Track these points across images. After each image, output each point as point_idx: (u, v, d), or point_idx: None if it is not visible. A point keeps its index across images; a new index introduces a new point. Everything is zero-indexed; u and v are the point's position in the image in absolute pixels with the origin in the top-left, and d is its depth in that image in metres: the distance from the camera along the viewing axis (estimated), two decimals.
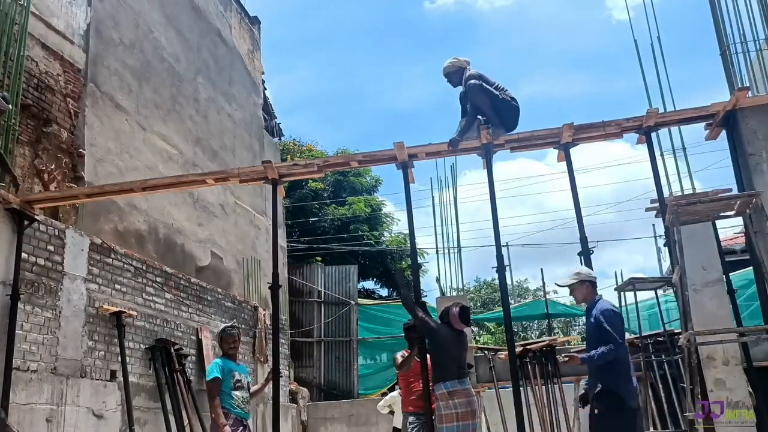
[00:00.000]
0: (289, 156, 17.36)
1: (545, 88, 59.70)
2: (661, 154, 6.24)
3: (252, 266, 11.60)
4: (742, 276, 9.17)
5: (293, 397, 12.89)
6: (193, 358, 8.66)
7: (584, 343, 7.96)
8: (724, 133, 5.46)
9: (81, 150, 7.63)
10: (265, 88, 14.03)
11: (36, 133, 7.06)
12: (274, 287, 5.95)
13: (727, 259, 5.29)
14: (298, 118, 50.99)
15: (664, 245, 5.98)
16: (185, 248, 9.62)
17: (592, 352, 4.39)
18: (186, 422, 7.79)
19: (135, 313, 7.49)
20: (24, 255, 6.10)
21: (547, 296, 15.78)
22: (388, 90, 62.98)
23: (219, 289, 9.86)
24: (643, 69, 7.22)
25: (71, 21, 7.80)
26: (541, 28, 59.74)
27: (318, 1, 56.65)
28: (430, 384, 5.29)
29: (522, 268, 63.54)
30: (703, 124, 5.56)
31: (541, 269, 24.92)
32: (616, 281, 8.69)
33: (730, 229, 13.90)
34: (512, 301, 18.09)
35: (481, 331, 26.90)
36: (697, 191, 6.16)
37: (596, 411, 4.40)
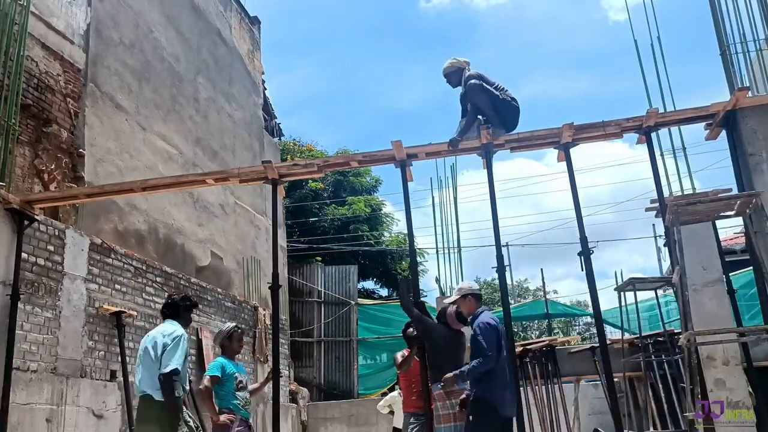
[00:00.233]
0: (289, 156, 17.36)
1: (545, 88, 59.74)
2: (661, 154, 6.23)
3: (252, 266, 11.60)
4: (742, 276, 9.18)
5: (293, 397, 12.89)
6: (193, 358, 8.66)
7: (583, 342, 7.99)
8: (724, 133, 5.46)
9: (81, 150, 7.63)
10: (265, 88, 14.03)
11: (36, 133, 7.06)
12: (274, 287, 5.95)
13: (727, 259, 5.28)
14: (298, 118, 51.06)
15: (664, 245, 5.98)
16: (185, 248, 9.62)
17: (465, 367, 4.63)
18: None
19: (135, 313, 7.49)
20: (24, 255, 6.10)
21: (547, 296, 15.78)
22: (388, 90, 63.02)
23: (219, 289, 9.86)
24: (643, 69, 7.21)
25: (71, 21, 7.80)
26: (539, 27, 59.76)
27: (318, 1, 56.66)
28: (429, 384, 5.28)
29: (522, 268, 63.60)
30: (703, 124, 5.56)
31: (541, 269, 24.94)
32: (616, 281, 8.68)
33: (730, 229, 13.92)
34: (512, 301, 18.09)
35: None
36: (697, 191, 6.15)
37: (470, 417, 4.57)
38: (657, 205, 5.47)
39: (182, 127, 10.08)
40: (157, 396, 4.70)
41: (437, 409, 5.08)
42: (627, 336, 8.22)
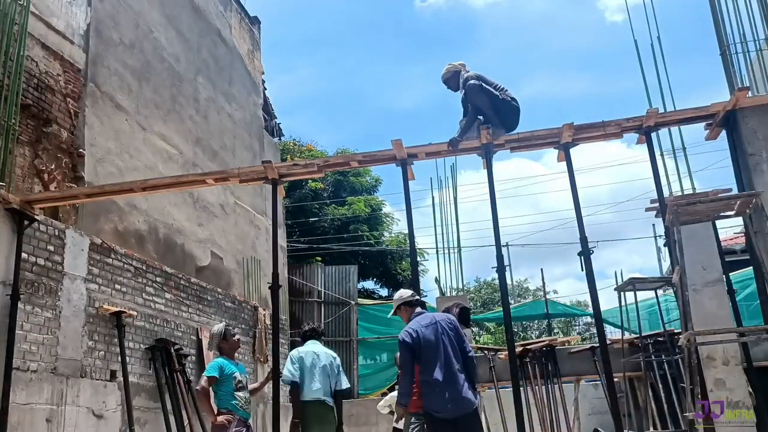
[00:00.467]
0: (289, 156, 17.36)
1: (545, 89, 59.74)
2: (662, 154, 6.23)
3: (252, 266, 11.60)
4: (742, 275, 9.17)
5: None
6: (193, 358, 8.66)
7: (583, 342, 8.00)
8: (724, 133, 5.46)
9: (81, 150, 7.63)
10: (265, 88, 14.03)
11: (36, 133, 7.06)
12: (274, 287, 5.95)
13: (727, 259, 5.29)
14: (298, 118, 51.06)
15: (664, 245, 5.98)
16: (185, 248, 9.62)
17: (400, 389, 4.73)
18: (186, 422, 7.80)
19: (135, 313, 7.49)
20: (24, 255, 6.10)
21: (547, 296, 15.77)
22: (387, 90, 63.02)
23: (219, 289, 9.86)
24: (643, 69, 7.20)
25: (71, 21, 7.80)
26: (537, 27, 59.76)
27: (317, 1, 56.66)
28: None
29: (521, 268, 63.60)
30: (703, 124, 5.56)
31: (541, 269, 24.92)
32: (616, 281, 8.68)
33: (730, 229, 13.91)
34: (512, 301, 18.10)
35: (481, 331, 26.91)
36: (697, 191, 6.15)
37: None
38: (657, 205, 5.47)
39: (182, 127, 10.08)
40: (330, 402, 5.87)
41: None
42: (627, 336, 8.22)
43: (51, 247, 6.49)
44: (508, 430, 7.87)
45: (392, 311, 4.99)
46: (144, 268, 7.92)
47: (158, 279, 8.19)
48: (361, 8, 60.34)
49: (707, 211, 4.71)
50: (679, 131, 6.84)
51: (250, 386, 6.33)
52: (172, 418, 7.64)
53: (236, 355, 6.42)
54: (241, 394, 5.95)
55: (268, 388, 7.20)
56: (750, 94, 5.37)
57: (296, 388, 5.77)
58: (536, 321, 25.48)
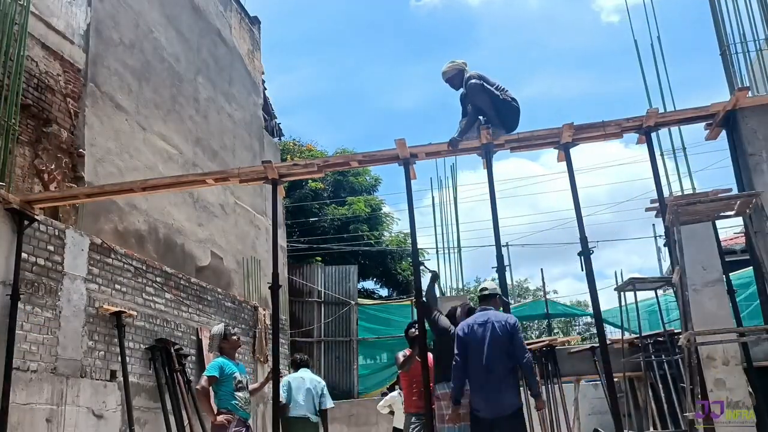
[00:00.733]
0: (289, 156, 17.36)
1: (544, 89, 59.75)
2: (662, 154, 6.24)
3: (252, 266, 11.60)
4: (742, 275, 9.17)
5: None
6: (193, 358, 8.66)
7: (583, 342, 8.00)
8: (724, 133, 5.46)
9: (81, 150, 7.63)
10: (265, 88, 14.03)
11: (36, 133, 7.06)
12: (274, 287, 5.95)
13: (727, 259, 5.29)
14: (298, 118, 51.06)
15: (664, 245, 5.98)
16: (185, 248, 9.62)
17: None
18: (186, 422, 7.80)
19: (135, 313, 7.49)
20: (24, 255, 6.10)
21: (547, 296, 15.78)
22: (387, 90, 63.02)
23: (219, 289, 9.86)
24: (643, 69, 7.22)
25: (71, 21, 7.80)
26: (534, 25, 59.76)
27: (317, 1, 56.67)
28: (431, 384, 5.28)
29: (520, 269, 63.56)
30: (703, 124, 5.56)
31: (541, 269, 24.90)
32: (616, 281, 8.68)
33: (730, 229, 13.91)
34: (512, 301, 18.08)
35: None
36: (697, 191, 6.16)
37: None
38: (657, 205, 5.47)
39: (182, 127, 10.08)
40: (314, 419, 6.88)
41: (441, 409, 5.08)
42: (627, 336, 8.23)
43: (51, 247, 6.49)
44: None
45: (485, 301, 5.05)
46: (144, 268, 7.93)
47: (158, 279, 8.19)
48: (360, 8, 60.38)
49: (707, 211, 4.71)
50: (679, 131, 6.86)
51: (251, 386, 6.34)
52: (172, 418, 7.64)
53: (236, 355, 6.43)
54: (240, 394, 5.95)
55: (268, 389, 7.20)
56: (750, 94, 5.37)
57: (282, 407, 6.65)
58: (536, 321, 25.46)
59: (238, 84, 12.39)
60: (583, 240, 5.30)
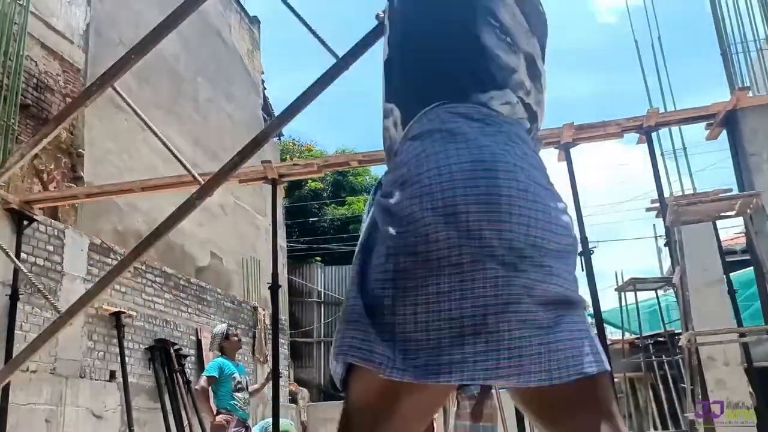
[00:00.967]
0: (288, 156, 17.36)
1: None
2: (662, 154, 6.23)
3: (252, 266, 11.59)
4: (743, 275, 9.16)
5: (293, 398, 12.88)
6: (193, 358, 8.66)
7: None
8: (724, 133, 5.46)
9: (80, 150, 7.62)
10: (264, 88, 14.03)
11: (36, 133, 7.05)
12: (274, 287, 5.94)
13: (727, 259, 5.28)
14: (300, 119, 50.96)
15: (665, 245, 5.98)
16: (185, 248, 9.61)
17: None
18: (185, 422, 7.79)
19: (134, 313, 7.49)
20: (23, 255, 6.09)
21: None
22: None
23: (219, 290, 9.85)
24: (644, 69, 7.21)
25: (71, 21, 7.79)
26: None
27: (318, 1, 56.65)
28: None
29: None
30: (704, 124, 5.55)
31: None
32: (616, 281, 8.67)
33: (731, 229, 13.88)
34: None
35: None
36: (697, 191, 6.15)
37: None
38: (658, 205, 5.47)
39: (182, 127, 10.07)
40: None
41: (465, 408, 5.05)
42: (627, 336, 8.23)
43: (50, 247, 6.48)
44: (508, 430, 7.87)
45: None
46: (144, 268, 7.92)
47: (158, 279, 8.19)
48: (360, 8, 60.37)
49: (708, 211, 4.71)
50: (679, 131, 6.85)
51: (251, 388, 6.33)
52: (171, 419, 7.63)
53: (236, 355, 6.43)
54: (240, 394, 5.95)
55: (268, 389, 7.19)
56: (750, 94, 5.37)
57: None
58: None
59: (237, 84, 12.38)
60: (583, 240, 5.29)
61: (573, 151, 5.62)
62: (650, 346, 7.56)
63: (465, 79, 1.23)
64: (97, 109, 8.08)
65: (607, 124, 5.51)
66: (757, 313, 5.97)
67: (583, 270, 5.27)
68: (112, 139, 8.27)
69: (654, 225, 14.41)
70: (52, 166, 7.20)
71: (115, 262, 7.43)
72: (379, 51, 1.47)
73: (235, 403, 5.87)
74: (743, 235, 8.62)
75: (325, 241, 17.00)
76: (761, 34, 6.27)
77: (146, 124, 4.22)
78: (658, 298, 8.58)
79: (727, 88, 5.94)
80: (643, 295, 9.58)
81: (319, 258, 16.61)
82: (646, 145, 5.57)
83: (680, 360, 6.19)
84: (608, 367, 1.11)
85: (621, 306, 7.71)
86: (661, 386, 7.28)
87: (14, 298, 5.85)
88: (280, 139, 15.89)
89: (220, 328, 6.28)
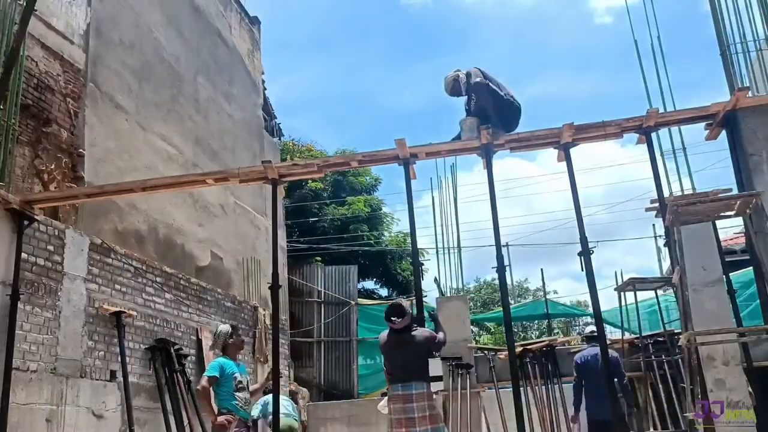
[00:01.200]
0: (288, 156, 17.35)
1: (543, 89, 59.74)
2: (662, 155, 6.23)
3: (252, 266, 11.60)
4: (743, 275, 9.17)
5: (293, 397, 12.87)
6: (193, 358, 8.66)
7: (582, 343, 8.01)
8: (724, 133, 5.46)
9: (81, 150, 7.63)
10: (265, 88, 14.03)
11: (36, 133, 7.05)
12: (274, 287, 5.95)
13: (727, 259, 5.29)
14: (298, 119, 50.92)
15: (664, 245, 5.98)
16: (185, 248, 9.62)
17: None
18: (186, 422, 7.80)
19: (135, 313, 7.49)
20: (24, 255, 6.10)
21: (547, 296, 15.77)
22: (387, 90, 63.01)
23: (219, 289, 9.86)
24: (643, 69, 7.20)
25: (71, 21, 7.80)
26: (528, 24, 59.75)
27: (317, 2, 56.66)
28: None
29: (518, 269, 63.49)
30: (703, 124, 5.56)
31: (541, 269, 24.86)
32: (616, 281, 8.67)
33: (731, 229, 13.88)
34: (512, 301, 18.09)
35: (481, 331, 26.90)
36: (697, 191, 6.15)
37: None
38: (657, 205, 5.48)
39: (182, 127, 10.08)
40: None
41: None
42: (627, 336, 8.23)
43: (51, 247, 6.49)
44: (508, 430, 7.88)
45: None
46: (144, 268, 7.92)
47: (158, 279, 8.19)
48: (361, 8, 60.38)
49: (707, 211, 4.71)
50: (679, 131, 6.84)
51: (251, 388, 6.34)
52: (172, 418, 7.64)
53: (237, 355, 6.44)
54: (241, 394, 5.96)
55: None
56: (750, 94, 5.37)
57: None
58: (536, 321, 25.46)
59: (238, 84, 12.39)
60: (583, 240, 5.30)
61: (573, 151, 5.63)
62: (650, 346, 7.55)
63: None
64: (98, 109, 8.09)
65: (606, 124, 5.52)
66: (757, 313, 5.98)
67: (582, 270, 5.28)
68: (113, 139, 8.28)
69: (653, 225, 14.41)
70: (52, 166, 7.20)
71: (115, 262, 7.45)
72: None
73: (237, 402, 5.88)
74: (743, 235, 8.63)
75: (326, 241, 17.00)
76: (761, 34, 6.27)
77: None
78: (657, 298, 8.57)
79: (727, 88, 5.95)
80: (642, 295, 9.58)
81: (319, 258, 16.60)
82: (645, 145, 5.59)
83: (680, 360, 6.20)
84: None
85: (620, 306, 7.71)
86: (660, 386, 7.28)
87: (15, 298, 5.86)
88: (280, 138, 15.89)
89: (225, 327, 6.29)
